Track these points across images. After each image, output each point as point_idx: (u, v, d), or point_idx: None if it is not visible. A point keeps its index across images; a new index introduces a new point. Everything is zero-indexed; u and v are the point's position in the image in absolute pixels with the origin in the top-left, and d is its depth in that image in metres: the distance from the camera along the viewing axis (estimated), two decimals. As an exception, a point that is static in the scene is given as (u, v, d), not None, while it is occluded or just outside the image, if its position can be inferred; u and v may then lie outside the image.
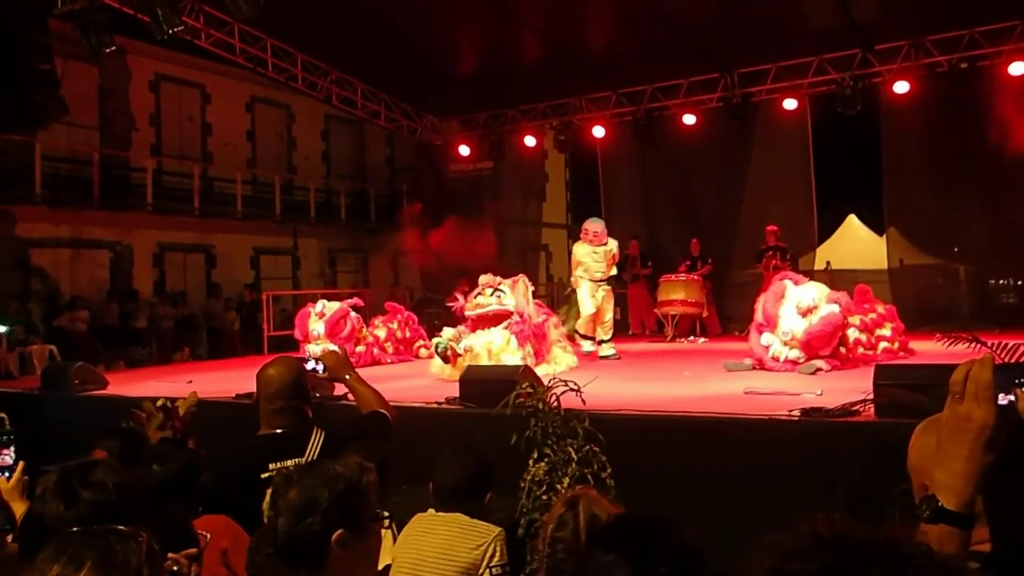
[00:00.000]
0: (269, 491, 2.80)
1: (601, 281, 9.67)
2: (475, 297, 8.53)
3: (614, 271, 9.87)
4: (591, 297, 9.60)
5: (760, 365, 7.91)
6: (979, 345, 4.30)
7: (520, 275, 8.88)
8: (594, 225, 9.73)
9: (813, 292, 7.84)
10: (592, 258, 9.59)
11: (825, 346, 7.63)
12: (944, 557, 0.94)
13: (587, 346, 9.76)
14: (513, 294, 8.37)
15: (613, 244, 9.69)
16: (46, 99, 9.80)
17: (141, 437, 3.80)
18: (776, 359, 7.77)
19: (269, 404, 2.93)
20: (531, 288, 8.78)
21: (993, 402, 1.28)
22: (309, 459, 2.80)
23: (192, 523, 2.68)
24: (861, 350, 8.18)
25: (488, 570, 2.85)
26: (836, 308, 7.67)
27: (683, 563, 1.47)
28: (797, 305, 7.71)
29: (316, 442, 2.84)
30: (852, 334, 8.20)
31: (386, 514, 2.00)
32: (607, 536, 1.58)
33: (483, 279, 8.69)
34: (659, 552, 1.46)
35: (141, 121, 18.16)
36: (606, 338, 9.76)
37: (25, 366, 12.88)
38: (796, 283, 8.02)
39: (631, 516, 1.84)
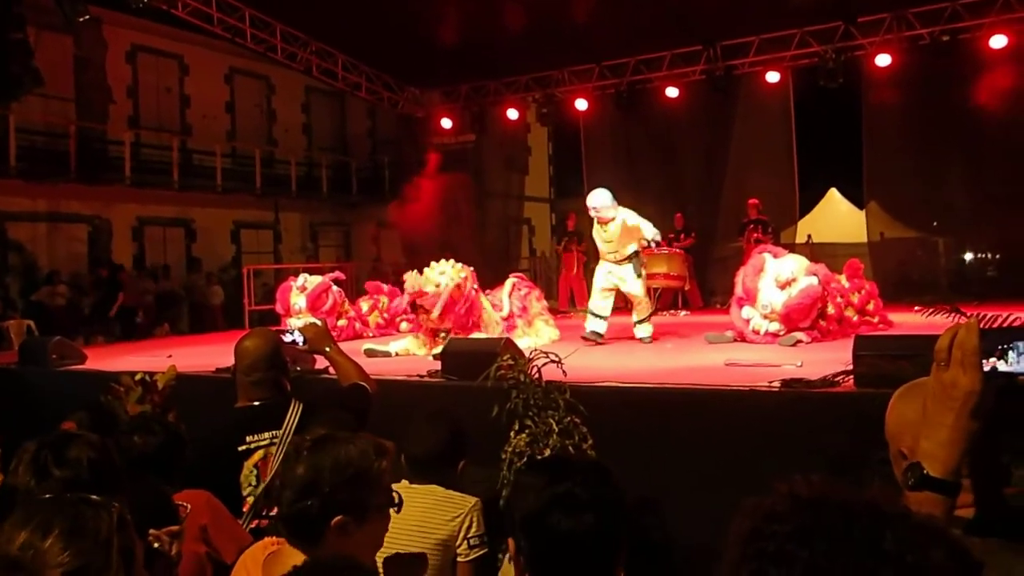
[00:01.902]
0: (247, 463, 2.81)
1: (620, 261, 8.38)
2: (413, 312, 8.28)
3: (630, 247, 8.33)
4: (604, 277, 8.46)
5: (741, 338, 7.96)
6: (958, 316, 4.34)
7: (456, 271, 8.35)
8: (593, 201, 8.33)
9: (792, 265, 7.87)
10: (601, 237, 8.40)
11: (804, 318, 7.68)
12: (923, 517, 0.94)
13: (592, 325, 8.47)
14: (440, 302, 7.96)
15: (623, 217, 8.23)
16: (19, 70, 9.61)
17: (111, 410, 3.77)
18: (756, 332, 7.81)
19: (246, 376, 2.91)
20: (464, 274, 8.24)
21: (979, 368, 1.28)
22: (287, 432, 2.79)
23: (172, 496, 2.67)
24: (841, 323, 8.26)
25: (466, 541, 2.84)
26: (815, 280, 7.72)
27: (590, 473, 1.66)
28: (776, 278, 7.75)
29: (294, 414, 2.82)
30: (848, 313, 8.28)
31: (396, 499, 1.99)
32: (528, 465, 1.88)
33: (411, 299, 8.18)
34: (571, 466, 1.70)
35: (118, 93, 17.91)
36: (637, 319, 8.60)
37: (2, 341, 12.77)
38: (775, 256, 8.06)
39: (549, 455, 2.09)
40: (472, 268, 8.52)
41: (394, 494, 1.97)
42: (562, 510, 1.58)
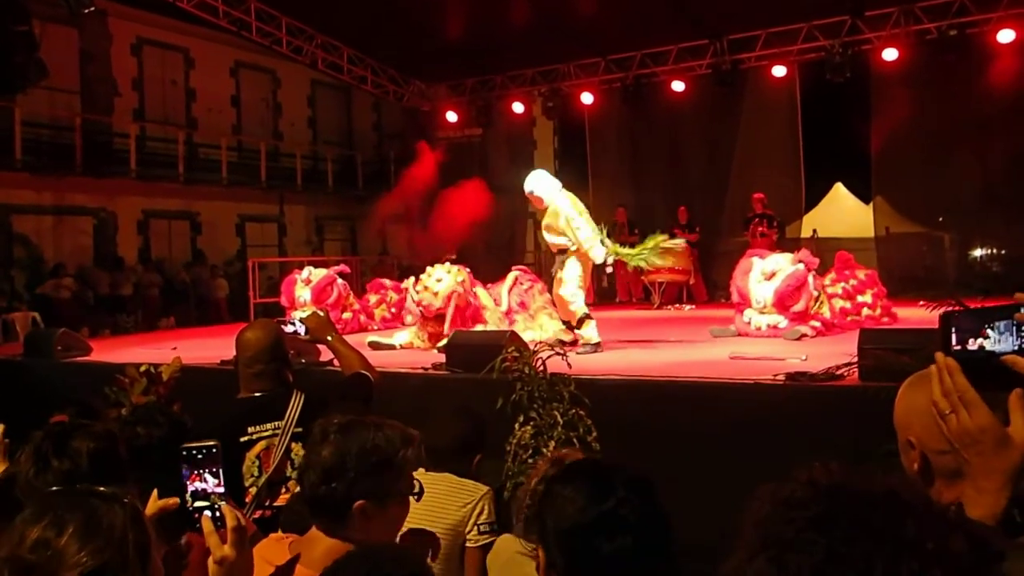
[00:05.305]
0: (249, 454, 2.81)
1: (559, 252, 7.32)
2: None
3: (561, 240, 7.17)
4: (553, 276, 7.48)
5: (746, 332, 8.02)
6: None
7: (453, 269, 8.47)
8: (526, 185, 7.32)
9: (777, 259, 8.13)
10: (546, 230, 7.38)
11: (794, 300, 7.78)
12: (943, 506, 0.93)
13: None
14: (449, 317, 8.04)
15: (554, 202, 7.15)
16: (24, 62, 9.60)
17: (95, 408, 3.80)
18: (759, 329, 7.92)
19: (248, 368, 2.90)
20: (462, 277, 8.35)
21: (980, 403, 1.25)
22: (289, 423, 2.79)
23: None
24: (849, 318, 8.29)
25: (476, 527, 2.86)
26: (800, 267, 7.87)
27: (636, 488, 1.54)
28: (762, 271, 7.97)
29: (296, 405, 2.82)
30: (837, 303, 8.32)
31: (416, 488, 1.99)
32: (563, 473, 1.68)
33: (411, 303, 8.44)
34: (613, 480, 1.54)
35: (124, 86, 17.89)
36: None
37: (8, 333, 12.79)
38: (762, 257, 8.28)
39: (583, 460, 1.95)
40: (468, 268, 8.56)
41: (415, 482, 1.98)
42: (607, 532, 1.48)
